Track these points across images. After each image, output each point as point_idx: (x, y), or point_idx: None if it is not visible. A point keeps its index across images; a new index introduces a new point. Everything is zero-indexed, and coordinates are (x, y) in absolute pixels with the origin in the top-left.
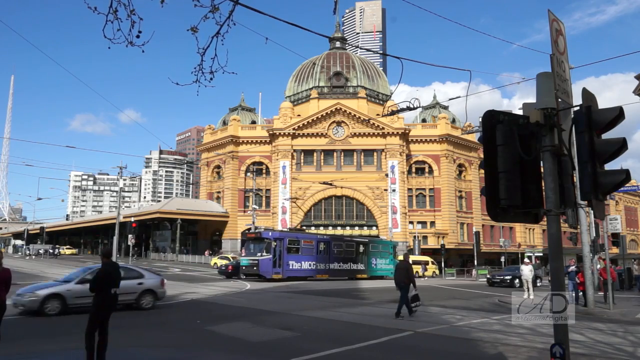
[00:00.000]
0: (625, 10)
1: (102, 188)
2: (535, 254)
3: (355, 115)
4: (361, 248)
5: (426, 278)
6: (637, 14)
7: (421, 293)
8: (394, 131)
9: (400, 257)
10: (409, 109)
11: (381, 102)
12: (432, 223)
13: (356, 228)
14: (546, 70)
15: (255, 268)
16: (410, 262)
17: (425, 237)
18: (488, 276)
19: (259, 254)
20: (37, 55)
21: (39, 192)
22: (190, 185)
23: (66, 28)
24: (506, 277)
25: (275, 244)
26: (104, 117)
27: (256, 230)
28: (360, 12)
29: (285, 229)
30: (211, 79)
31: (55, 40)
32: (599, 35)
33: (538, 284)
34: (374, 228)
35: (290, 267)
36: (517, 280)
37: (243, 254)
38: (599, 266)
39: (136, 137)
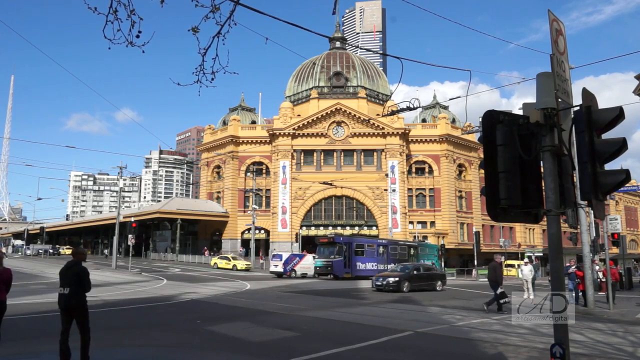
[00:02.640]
0: (622, 9)
1: (102, 188)
2: (535, 254)
3: (355, 115)
4: (412, 251)
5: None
6: (634, 13)
7: (421, 294)
8: (394, 131)
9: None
10: (409, 109)
11: (381, 102)
12: (432, 223)
13: (356, 228)
14: (545, 69)
15: (329, 268)
16: (499, 262)
17: (425, 237)
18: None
19: (332, 257)
20: (34, 54)
21: (39, 192)
22: (190, 185)
23: (62, 27)
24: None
25: (345, 247)
26: (100, 117)
27: (328, 236)
28: (360, 12)
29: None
30: (212, 79)
31: (52, 40)
32: (597, 34)
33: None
34: (374, 228)
35: (358, 268)
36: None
37: (316, 257)
38: (598, 267)
39: (136, 137)
